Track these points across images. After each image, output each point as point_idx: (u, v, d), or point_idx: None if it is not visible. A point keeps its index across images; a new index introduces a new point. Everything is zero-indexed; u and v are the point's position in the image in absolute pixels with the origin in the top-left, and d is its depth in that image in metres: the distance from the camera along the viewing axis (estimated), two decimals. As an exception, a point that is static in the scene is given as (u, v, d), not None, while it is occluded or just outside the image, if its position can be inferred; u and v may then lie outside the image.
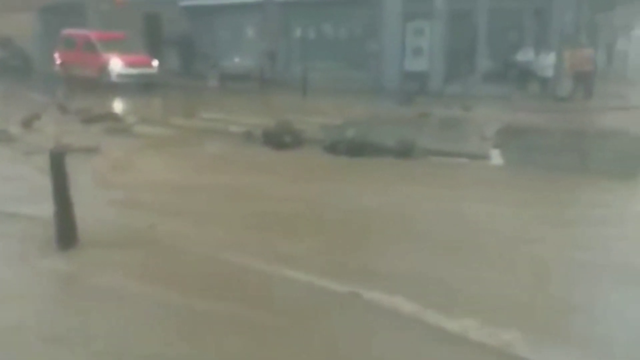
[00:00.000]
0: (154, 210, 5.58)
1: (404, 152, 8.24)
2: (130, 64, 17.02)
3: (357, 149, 8.33)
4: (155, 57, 18.23)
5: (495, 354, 3.22)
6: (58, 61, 18.68)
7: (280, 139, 8.80)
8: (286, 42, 19.23)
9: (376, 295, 3.77)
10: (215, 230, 5.10)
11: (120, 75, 16.88)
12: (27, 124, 10.07)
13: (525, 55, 15.33)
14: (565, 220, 5.51)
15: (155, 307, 3.67)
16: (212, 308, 3.65)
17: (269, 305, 3.74)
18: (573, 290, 4.10)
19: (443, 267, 4.36)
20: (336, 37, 18.63)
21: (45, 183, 4.70)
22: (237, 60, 20.24)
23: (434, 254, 4.61)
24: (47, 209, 4.53)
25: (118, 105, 14.32)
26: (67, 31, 18.82)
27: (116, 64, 16.91)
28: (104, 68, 16.95)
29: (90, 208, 5.14)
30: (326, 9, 18.09)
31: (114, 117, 11.47)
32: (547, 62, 14.61)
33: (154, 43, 20.24)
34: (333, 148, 8.46)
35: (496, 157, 8.41)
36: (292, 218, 5.45)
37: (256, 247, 4.64)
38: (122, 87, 16.34)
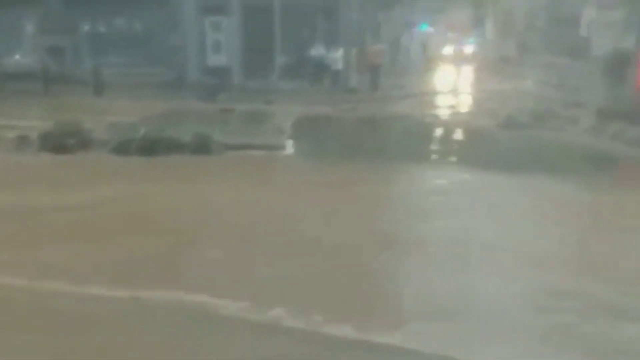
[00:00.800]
0: None
1: (201, 148, 8.13)
2: None
3: (150, 147, 8.00)
4: None
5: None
6: None
7: (61, 142, 8.06)
8: (73, 37, 17.69)
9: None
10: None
11: None
12: None
13: (317, 51, 16.24)
14: (348, 199, 5.93)
15: None
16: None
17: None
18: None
19: (235, 258, 4.41)
20: (131, 31, 17.70)
21: None
22: (17, 57, 18.07)
23: (224, 247, 4.63)
24: None
25: None
26: None
27: None
28: None
29: None
30: (117, 1, 17.00)
31: None
32: (336, 56, 15.68)
33: None
34: (123, 148, 8.01)
35: (290, 148, 8.83)
36: (52, 230, 5.01)
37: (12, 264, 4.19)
38: None
